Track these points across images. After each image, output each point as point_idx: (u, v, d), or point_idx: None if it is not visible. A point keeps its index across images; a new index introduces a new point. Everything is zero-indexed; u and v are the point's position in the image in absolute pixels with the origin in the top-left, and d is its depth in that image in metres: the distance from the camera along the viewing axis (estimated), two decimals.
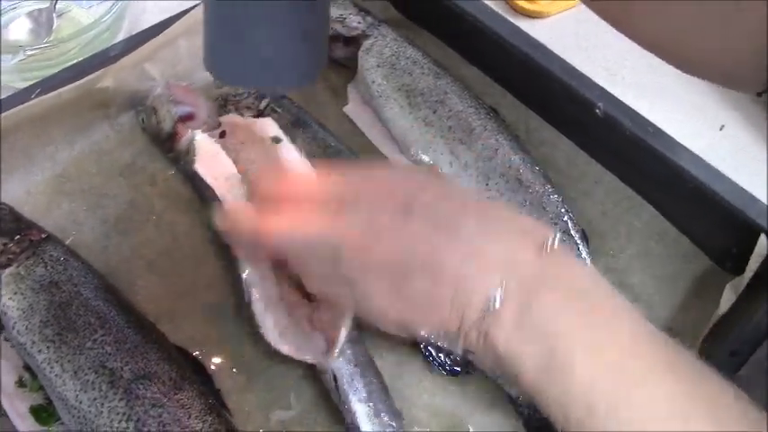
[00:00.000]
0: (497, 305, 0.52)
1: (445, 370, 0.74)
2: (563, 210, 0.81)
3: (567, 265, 0.56)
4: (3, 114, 0.79)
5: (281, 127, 0.83)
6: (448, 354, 0.73)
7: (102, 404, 0.64)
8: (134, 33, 0.91)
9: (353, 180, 0.62)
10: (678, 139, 0.80)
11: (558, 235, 0.55)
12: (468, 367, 0.74)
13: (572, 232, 0.79)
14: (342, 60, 0.96)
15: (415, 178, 0.62)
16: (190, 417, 0.65)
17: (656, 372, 0.50)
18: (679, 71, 0.94)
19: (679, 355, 0.52)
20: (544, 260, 0.54)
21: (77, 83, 0.82)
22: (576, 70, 0.85)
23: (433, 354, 0.74)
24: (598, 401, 0.49)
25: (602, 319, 0.52)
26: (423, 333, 0.57)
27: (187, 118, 0.83)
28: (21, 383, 0.70)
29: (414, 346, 0.76)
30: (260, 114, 0.86)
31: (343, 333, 0.68)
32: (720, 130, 0.97)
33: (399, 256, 0.56)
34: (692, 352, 0.54)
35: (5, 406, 0.68)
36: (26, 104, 0.80)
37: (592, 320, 0.52)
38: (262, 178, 0.70)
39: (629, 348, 0.51)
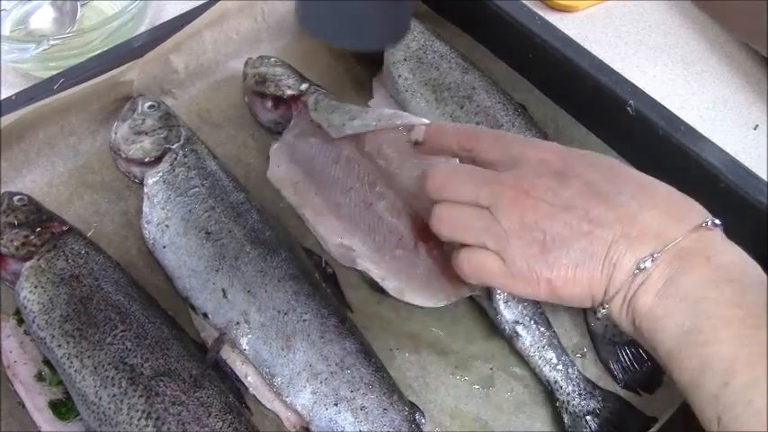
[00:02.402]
0: (648, 266, 0.53)
1: (501, 326, 0.75)
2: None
3: (723, 245, 0.55)
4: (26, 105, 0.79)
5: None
6: (502, 316, 0.75)
7: (122, 401, 0.63)
8: (157, 24, 0.90)
9: (515, 142, 0.63)
10: (710, 138, 0.78)
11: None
12: (512, 336, 0.75)
13: None
14: (367, 54, 0.94)
15: (575, 151, 0.62)
16: (210, 415, 0.64)
17: None
18: (712, 69, 0.92)
19: None
20: (699, 237, 0.54)
21: (102, 76, 0.82)
22: (607, 66, 0.83)
23: (497, 303, 0.76)
24: (735, 378, 0.48)
25: (752, 302, 0.51)
26: (567, 296, 0.58)
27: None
28: (40, 377, 0.69)
29: (438, 350, 0.75)
30: (300, 95, 0.85)
31: None
32: (754, 129, 0.95)
33: (554, 216, 0.57)
34: None
35: (24, 400, 0.68)
36: (54, 97, 0.79)
37: (741, 302, 0.51)
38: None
39: None
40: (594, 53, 0.85)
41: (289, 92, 0.85)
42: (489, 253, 0.59)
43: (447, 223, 0.62)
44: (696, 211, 0.57)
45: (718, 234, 0.56)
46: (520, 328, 0.74)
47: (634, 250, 0.54)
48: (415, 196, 0.73)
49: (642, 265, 0.54)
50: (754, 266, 0.54)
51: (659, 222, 0.55)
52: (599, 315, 0.57)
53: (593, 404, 0.71)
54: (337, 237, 0.79)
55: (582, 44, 0.86)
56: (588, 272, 0.56)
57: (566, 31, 0.87)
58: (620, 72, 0.83)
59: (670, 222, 0.55)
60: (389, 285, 0.76)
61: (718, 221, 0.56)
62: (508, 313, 0.75)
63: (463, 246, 0.62)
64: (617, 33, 1.04)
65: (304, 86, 0.86)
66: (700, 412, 0.51)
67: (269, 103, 0.87)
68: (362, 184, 0.79)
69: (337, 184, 0.80)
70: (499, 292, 0.75)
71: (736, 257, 0.55)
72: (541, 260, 0.57)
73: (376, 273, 0.77)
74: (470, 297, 0.76)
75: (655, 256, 0.54)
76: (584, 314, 0.77)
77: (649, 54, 1.02)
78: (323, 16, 0.62)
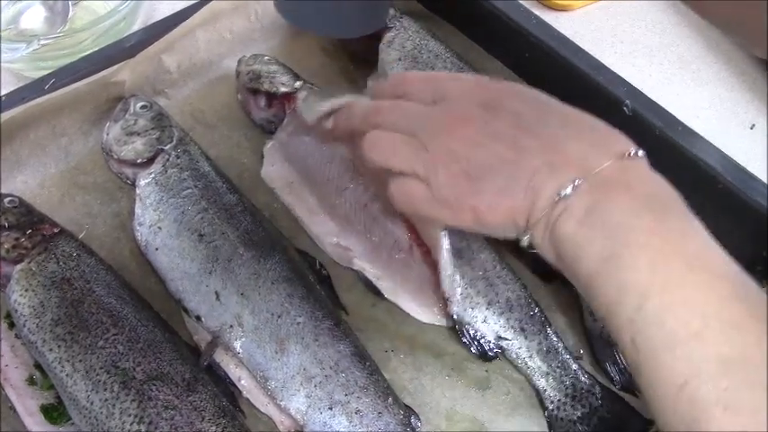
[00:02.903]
0: (569, 193, 0.54)
1: (478, 352, 0.74)
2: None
3: (646, 175, 0.56)
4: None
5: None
6: (482, 338, 0.74)
7: (114, 405, 0.62)
8: (149, 24, 0.89)
9: (444, 78, 0.66)
10: (707, 138, 0.77)
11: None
12: (497, 353, 0.74)
13: None
14: (362, 53, 0.94)
15: (503, 84, 0.64)
16: (203, 419, 0.63)
17: (714, 286, 0.49)
18: (709, 68, 0.92)
19: (739, 277, 0.51)
20: (622, 166, 0.55)
21: (94, 76, 0.81)
22: (603, 66, 0.83)
23: (468, 337, 0.74)
24: (649, 301, 0.50)
25: (672, 229, 0.52)
26: (491, 223, 0.59)
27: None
28: (31, 381, 0.68)
29: (433, 352, 0.75)
30: (294, 92, 0.84)
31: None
32: (751, 128, 0.94)
33: (480, 145, 0.58)
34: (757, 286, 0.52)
35: (15, 404, 0.67)
36: (45, 97, 0.78)
37: (662, 228, 0.52)
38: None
39: (693, 260, 0.51)
40: (590, 52, 0.85)
41: (283, 89, 0.84)
42: (417, 181, 0.61)
43: (379, 148, 0.63)
44: (621, 142, 0.58)
45: (642, 164, 0.57)
46: (504, 343, 0.74)
47: (556, 177, 0.55)
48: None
49: (563, 192, 0.54)
50: (673, 195, 0.55)
51: (583, 151, 0.56)
52: (523, 243, 0.59)
53: (591, 401, 0.71)
54: (333, 237, 0.79)
55: (578, 43, 0.86)
56: (511, 199, 0.57)
57: (561, 31, 0.87)
58: (616, 71, 0.83)
59: (593, 152, 0.56)
60: (384, 285, 0.76)
61: (642, 152, 0.57)
62: (488, 330, 0.74)
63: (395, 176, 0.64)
64: (613, 32, 1.03)
65: (298, 84, 0.85)
66: (616, 336, 0.52)
67: (262, 102, 0.87)
68: (357, 184, 0.78)
69: (332, 184, 0.80)
70: (473, 315, 0.75)
71: (658, 187, 0.56)
72: (466, 187, 0.58)
73: (371, 272, 0.77)
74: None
75: (576, 183, 0.54)
76: (580, 316, 0.77)
77: (646, 53, 1.02)
78: (300, 5, 0.62)
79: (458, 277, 0.74)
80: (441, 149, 0.60)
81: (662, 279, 0.50)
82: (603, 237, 0.53)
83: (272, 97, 0.86)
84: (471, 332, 0.74)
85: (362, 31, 0.72)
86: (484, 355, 0.74)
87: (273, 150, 0.85)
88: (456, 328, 0.75)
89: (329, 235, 0.79)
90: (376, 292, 0.77)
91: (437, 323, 0.76)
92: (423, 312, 0.76)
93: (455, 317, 0.74)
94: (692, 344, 0.47)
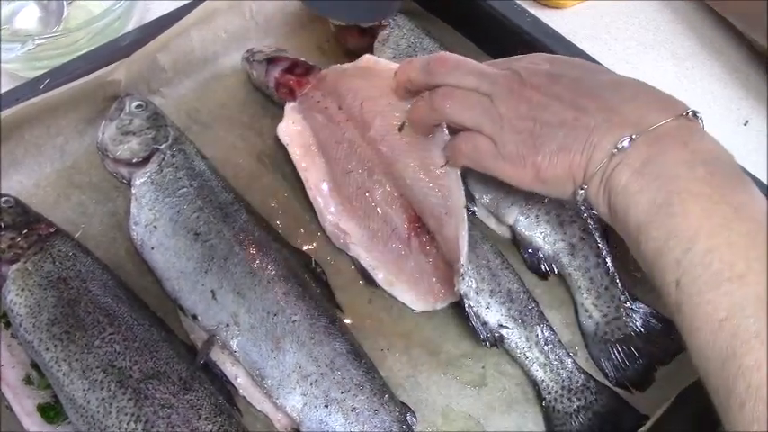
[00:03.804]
0: (626, 146, 0.57)
1: (481, 334, 0.74)
2: (582, 207, 0.79)
3: (701, 134, 0.59)
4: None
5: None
6: (484, 323, 0.74)
7: (111, 404, 0.62)
8: (144, 23, 0.89)
9: (504, 60, 0.70)
10: None
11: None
12: (496, 341, 0.75)
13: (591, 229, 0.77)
14: (357, 51, 0.93)
15: (564, 57, 0.69)
16: (199, 418, 0.63)
17: (758, 234, 0.52)
18: (702, 65, 0.92)
19: None
20: (678, 125, 0.58)
21: (89, 76, 0.81)
22: (598, 63, 0.83)
23: (473, 316, 0.74)
24: (696, 244, 0.52)
25: (724, 182, 0.55)
26: (550, 179, 0.62)
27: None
28: (28, 381, 0.68)
29: (429, 350, 0.75)
30: (309, 70, 0.86)
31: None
32: (744, 125, 0.94)
33: (543, 107, 0.62)
34: None
35: (12, 403, 0.67)
36: (40, 97, 0.79)
37: (713, 180, 0.55)
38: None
39: (741, 210, 0.53)
40: (585, 50, 0.85)
41: (297, 69, 0.86)
42: (484, 136, 0.65)
43: (452, 101, 0.66)
44: (678, 104, 0.60)
45: (697, 124, 0.59)
46: (505, 331, 0.74)
47: (614, 134, 0.58)
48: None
49: (620, 145, 0.57)
50: (726, 154, 0.58)
51: (640, 111, 0.59)
52: (578, 198, 0.61)
53: (586, 396, 0.72)
54: (335, 217, 0.80)
55: (572, 41, 0.86)
56: (570, 155, 0.60)
57: (556, 28, 0.87)
58: (610, 68, 0.82)
59: (651, 111, 0.59)
60: (379, 275, 0.77)
61: (699, 113, 0.59)
62: (491, 317, 0.75)
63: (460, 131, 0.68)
64: (607, 30, 1.04)
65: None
66: (660, 281, 0.55)
67: (281, 68, 0.87)
68: (362, 169, 0.79)
69: (339, 163, 0.80)
70: (478, 299, 0.75)
71: (712, 145, 0.58)
72: (530, 145, 0.62)
73: (366, 260, 0.78)
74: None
75: (633, 137, 0.57)
76: (575, 313, 0.77)
77: (640, 50, 1.02)
78: None
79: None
80: (509, 109, 0.63)
81: (710, 224, 0.53)
82: (657, 186, 0.55)
83: (291, 69, 0.87)
84: (475, 314, 0.74)
85: (375, 17, 0.84)
86: (486, 340, 0.74)
87: (295, 111, 0.84)
88: (459, 308, 0.75)
89: (331, 214, 0.80)
90: (370, 281, 0.77)
91: (431, 309, 0.77)
92: (418, 302, 0.76)
93: (461, 293, 0.73)
94: (735, 283, 0.50)
